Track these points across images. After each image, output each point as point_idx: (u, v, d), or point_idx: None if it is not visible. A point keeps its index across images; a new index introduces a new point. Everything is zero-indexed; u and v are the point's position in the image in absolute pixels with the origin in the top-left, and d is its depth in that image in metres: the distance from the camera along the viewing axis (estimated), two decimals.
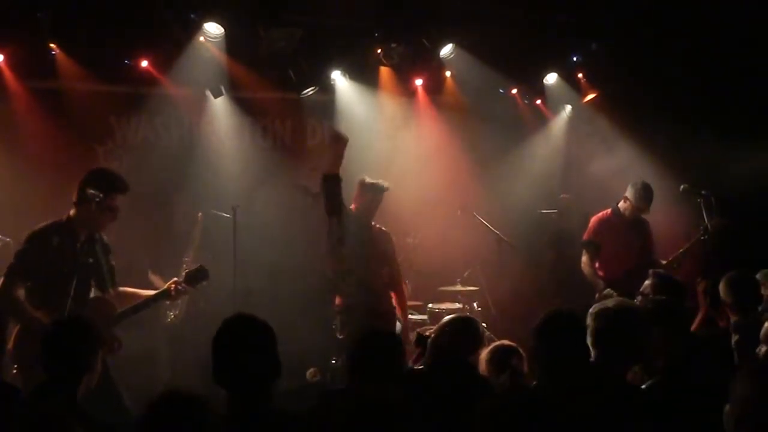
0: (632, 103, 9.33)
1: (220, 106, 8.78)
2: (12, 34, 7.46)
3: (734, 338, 4.86)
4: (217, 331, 3.55)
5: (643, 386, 4.00)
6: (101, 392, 4.95)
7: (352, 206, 7.02)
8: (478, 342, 4.66)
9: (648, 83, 9.12)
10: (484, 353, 4.54)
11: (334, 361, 8.24)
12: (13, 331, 5.22)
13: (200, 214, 7.92)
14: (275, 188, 8.75)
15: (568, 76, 9.69)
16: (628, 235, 7.60)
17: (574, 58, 9.53)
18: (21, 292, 5.33)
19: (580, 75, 9.67)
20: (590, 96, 9.75)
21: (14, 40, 7.52)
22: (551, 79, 9.69)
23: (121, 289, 5.84)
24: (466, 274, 8.46)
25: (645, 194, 7.52)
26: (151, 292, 5.93)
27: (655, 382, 4.01)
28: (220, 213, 7.70)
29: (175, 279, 5.87)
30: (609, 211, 7.73)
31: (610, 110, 9.54)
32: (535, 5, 8.30)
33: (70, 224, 5.55)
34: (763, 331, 3.99)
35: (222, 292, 7.23)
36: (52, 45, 7.66)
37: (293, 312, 8.26)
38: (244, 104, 8.96)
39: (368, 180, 7.05)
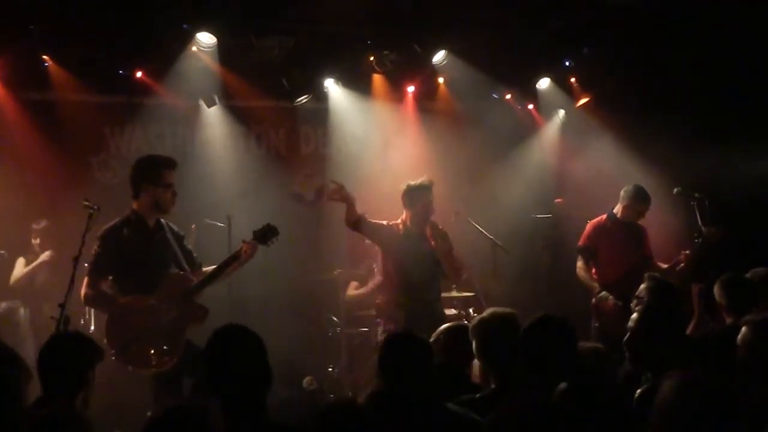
0: (625, 106, 9.35)
1: (213, 116, 8.79)
2: (4, 45, 7.45)
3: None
4: (208, 341, 3.56)
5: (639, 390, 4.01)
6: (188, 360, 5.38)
7: (404, 217, 6.92)
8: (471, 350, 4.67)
9: (640, 87, 9.14)
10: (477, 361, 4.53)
11: (330, 369, 8.26)
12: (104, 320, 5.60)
13: (193, 226, 7.92)
14: (270, 196, 8.75)
15: (560, 81, 9.71)
16: (622, 239, 7.58)
17: (567, 63, 9.55)
18: (105, 285, 5.58)
19: (572, 79, 9.69)
20: (583, 100, 9.76)
21: (6, 52, 7.52)
22: (544, 83, 9.71)
23: (205, 269, 5.97)
24: (462, 279, 8.45)
25: (639, 195, 7.51)
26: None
27: (649, 386, 4.01)
28: (214, 222, 7.69)
29: (244, 239, 5.91)
30: (604, 216, 7.73)
31: (602, 114, 9.55)
32: (527, 11, 8.30)
33: (137, 215, 5.72)
34: (740, 336, 3.97)
35: (217, 302, 7.21)
36: (44, 57, 7.66)
37: (289, 321, 8.28)
38: (237, 113, 8.98)
39: (412, 183, 6.92)
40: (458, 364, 4.54)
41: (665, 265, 7.38)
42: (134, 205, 5.74)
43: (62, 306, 5.28)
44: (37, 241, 7.77)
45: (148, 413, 3.53)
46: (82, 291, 5.57)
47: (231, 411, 3.39)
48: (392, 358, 3.80)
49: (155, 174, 5.70)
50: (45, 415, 3.42)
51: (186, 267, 5.85)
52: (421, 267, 6.70)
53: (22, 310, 7.57)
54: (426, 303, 6.71)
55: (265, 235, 5.92)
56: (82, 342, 4.16)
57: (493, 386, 4.13)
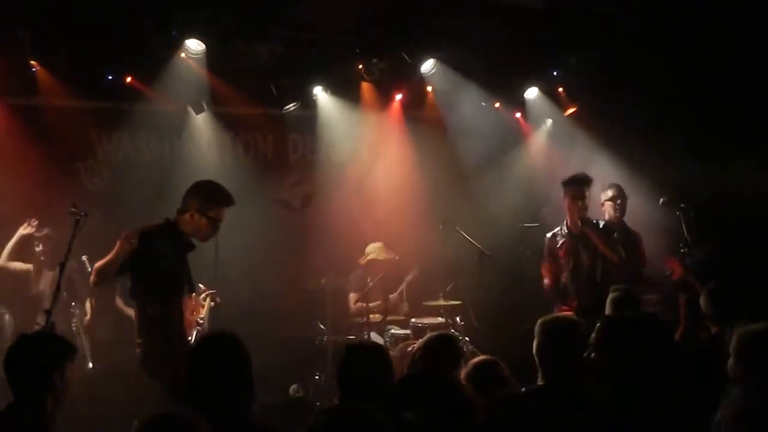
0: (612, 116, 9.40)
1: (201, 122, 8.78)
2: None
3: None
4: (195, 346, 3.54)
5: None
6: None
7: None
8: (457, 359, 4.68)
9: (628, 97, 9.18)
10: (463, 371, 4.53)
11: (317, 377, 8.25)
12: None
13: None
14: (257, 203, 8.74)
15: (548, 90, 9.75)
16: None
17: (554, 73, 9.59)
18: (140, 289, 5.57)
19: (560, 89, 9.73)
20: (570, 110, 9.80)
21: None
22: (532, 93, 9.75)
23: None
24: (448, 288, 8.47)
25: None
26: None
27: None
28: None
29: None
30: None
31: (590, 124, 9.59)
32: (514, 21, 8.34)
33: (175, 229, 5.70)
34: (732, 344, 4.00)
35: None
36: (32, 62, 7.63)
37: (276, 327, 8.27)
38: (225, 119, 8.98)
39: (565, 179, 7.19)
40: (442, 373, 4.54)
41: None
42: (176, 218, 5.72)
43: (48, 312, 5.25)
44: (41, 248, 7.68)
45: (135, 422, 3.50)
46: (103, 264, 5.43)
47: (215, 419, 3.38)
48: (347, 370, 3.81)
49: (212, 207, 5.70)
50: (6, 423, 3.37)
51: (193, 285, 5.95)
52: None
53: (7, 317, 7.50)
54: None
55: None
56: (48, 341, 4.02)
57: (541, 383, 4.14)
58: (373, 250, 8.86)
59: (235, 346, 3.54)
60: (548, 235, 7.45)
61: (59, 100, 8.00)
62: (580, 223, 6.95)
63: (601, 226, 7.08)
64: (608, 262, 7.07)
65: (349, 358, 3.89)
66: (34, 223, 7.54)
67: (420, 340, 4.84)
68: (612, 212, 7.68)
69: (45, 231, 7.61)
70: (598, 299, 6.16)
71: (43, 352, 3.89)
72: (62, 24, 7.42)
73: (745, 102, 8.46)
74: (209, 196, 5.73)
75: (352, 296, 8.85)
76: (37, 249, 7.68)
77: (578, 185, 7.03)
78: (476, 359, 4.74)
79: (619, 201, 7.70)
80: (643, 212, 7.98)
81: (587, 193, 7.00)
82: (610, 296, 5.49)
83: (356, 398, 3.72)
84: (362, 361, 3.86)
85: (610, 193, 7.74)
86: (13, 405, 3.80)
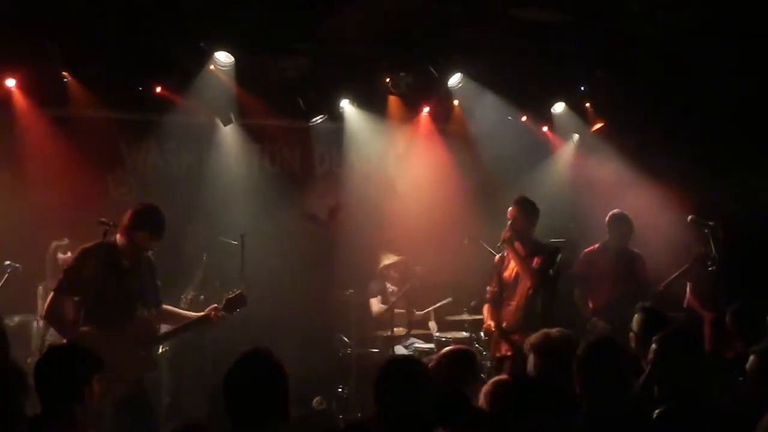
0: (639, 132, 9.35)
1: (229, 134, 8.83)
2: (24, 61, 7.52)
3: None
4: (235, 362, 3.55)
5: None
6: (133, 409, 5.39)
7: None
8: (474, 374, 4.68)
9: (656, 113, 9.14)
10: (484, 388, 4.53)
11: (340, 390, 8.24)
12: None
13: (205, 256, 7.96)
14: (283, 215, 8.78)
15: (575, 106, 9.72)
16: (612, 266, 7.69)
17: (582, 88, 9.56)
18: (67, 307, 5.51)
19: (587, 104, 9.70)
20: (597, 125, 9.76)
21: (26, 68, 7.58)
22: (559, 108, 9.73)
23: (164, 307, 6.03)
24: (472, 303, 8.45)
25: (615, 219, 7.81)
26: (192, 315, 6.11)
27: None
28: (228, 240, 7.72)
29: (215, 305, 6.03)
30: (597, 244, 7.88)
31: (617, 139, 9.55)
32: (541, 35, 8.33)
33: (113, 248, 5.70)
34: (748, 365, 3.96)
35: (228, 320, 7.23)
36: (64, 73, 7.72)
37: (300, 340, 8.28)
38: (252, 132, 9.02)
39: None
40: (460, 387, 4.52)
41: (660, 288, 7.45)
42: (117, 236, 5.73)
43: (75, 322, 5.30)
44: (67, 255, 7.75)
45: None
46: (47, 304, 5.55)
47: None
48: (387, 382, 3.80)
49: (135, 229, 5.71)
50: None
51: (150, 304, 5.85)
52: None
53: (35, 324, 7.58)
54: None
55: (234, 304, 6.05)
56: (77, 354, 4.09)
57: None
58: (385, 257, 8.91)
59: (269, 365, 3.56)
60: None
61: (89, 111, 8.08)
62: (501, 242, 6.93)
63: (542, 245, 7.01)
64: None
65: (388, 371, 3.89)
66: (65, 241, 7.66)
67: (439, 353, 4.84)
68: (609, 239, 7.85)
69: (65, 241, 7.68)
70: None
71: (74, 362, 3.99)
72: (93, 36, 7.49)
73: None
74: (141, 222, 5.75)
75: (373, 301, 8.83)
76: (61, 256, 7.75)
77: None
78: (496, 378, 4.74)
79: (612, 227, 7.84)
80: (670, 230, 7.93)
81: (513, 213, 6.94)
82: (636, 316, 5.44)
83: (392, 411, 3.72)
84: (401, 374, 3.85)
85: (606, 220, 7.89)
86: (43, 416, 3.85)
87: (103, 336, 5.46)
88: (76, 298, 5.54)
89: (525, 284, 6.82)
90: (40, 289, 7.69)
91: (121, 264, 5.72)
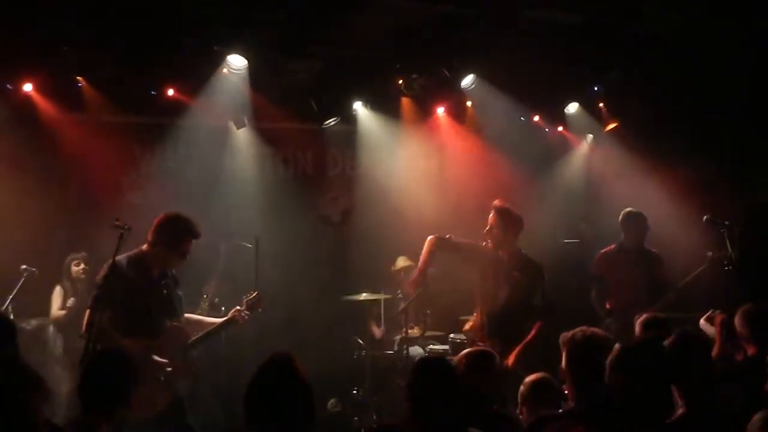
0: (653, 132, 9.31)
1: (242, 137, 8.86)
2: (40, 66, 7.56)
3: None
4: (260, 367, 3.55)
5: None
6: (170, 417, 5.44)
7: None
8: (493, 375, 4.67)
9: (669, 113, 9.11)
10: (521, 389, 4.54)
11: (355, 392, 8.24)
12: None
13: (222, 246, 7.98)
14: (297, 218, 8.80)
15: (588, 106, 9.70)
16: (631, 267, 7.63)
17: (595, 88, 9.54)
18: (106, 320, 5.45)
19: (601, 104, 9.67)
20: (611, 125, 9.74)
21: (42, 73, 7.62)
22: (572, 108, 9.71)
23: (186, 315, 6.06)
24: None
25: (628, 222, 7.73)
26: (218, 320, 6.16)
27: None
28: (242, 243, 7.73)
29: (237, 307, 6.08)
30: (613, 245, 7.82)
31: (631, 139, 9.52)
32: (555, 36, 8.31)
33: (144, 260, 5.75)
34: None
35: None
36: (78, 78, 7.76)
37: (315, 342, 8.28)
38: (266, 135, 9.04)
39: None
40: (482, 390, 4.52)
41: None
42: (145, 248, 5.78)
43: (91, 325, 5.32)
44: (81, 267, 7.80)
45: None
46: (85, 320, 5.47)
47: None
48: (421, 383, 3.81)
49: (177, 240, 5.77)
50: None
51: (178, 313, 5.90)
52: None
53: (51, 328, 7.63)
54: None
55: (255, 304, 6.12)
56: (124, 360, 4.19)
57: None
58: (400, 261, 8.91)
59: (292, 372, 3.55)
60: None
61: (104, 115, 8.12)
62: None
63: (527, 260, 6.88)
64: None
65: (421, 371, 3.93)
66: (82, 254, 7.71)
67: (459, 355, 4.81)
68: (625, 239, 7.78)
69: (82, 252, 7.73)
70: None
71: (121, 368, 4.10)
72: (107, 40, 7.53)
73: None
74: (177, 231, 5.79)
75: (374, 327, 8.82)
76: (76, 269, 7.78)
77: None
78: (532, 377, 4.73)
79: (627, 226, 7.77)
80: (685, 230, 7.89)
81: (490, 221, 6.82)
82: (640, 323, 5.45)
83: (426, 410, 3.75)
84: (433, 374, 3.88)
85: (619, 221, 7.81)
86: (81, 416, 3.92)
87: (139, 345, 5.51)
88: (109, 313, 5.48)
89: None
90: (58, 289, 7.76)
91: (152, 274, 5.77)
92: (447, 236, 6.89)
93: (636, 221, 7.73)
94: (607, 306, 7.67)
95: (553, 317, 6.51)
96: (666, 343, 4.24)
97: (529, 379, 4.73)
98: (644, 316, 5.56)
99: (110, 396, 3.98)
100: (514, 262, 6.74)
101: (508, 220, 6.80)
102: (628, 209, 7.83)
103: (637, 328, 5.47)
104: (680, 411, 3.99)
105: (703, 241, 7.72)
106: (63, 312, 7.69)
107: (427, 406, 3.76)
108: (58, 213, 7.83)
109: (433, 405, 3.75)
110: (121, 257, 5.64)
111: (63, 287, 7.80)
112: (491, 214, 6.83)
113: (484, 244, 6.80)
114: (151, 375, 5.48)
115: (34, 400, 3.37)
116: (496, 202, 6.89)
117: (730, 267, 6.91)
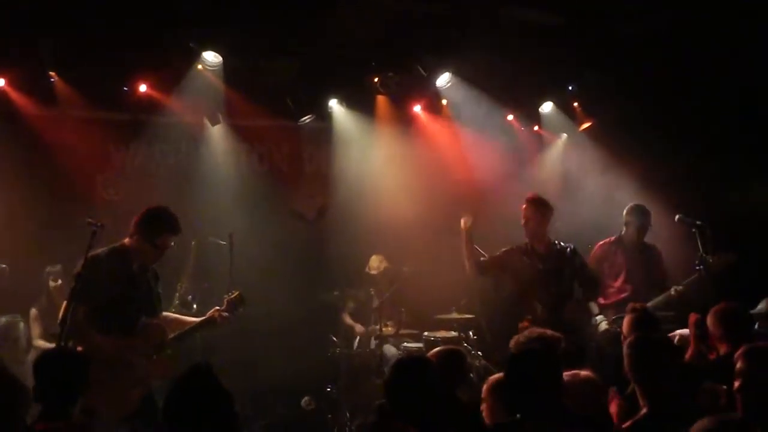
0: (627, 131, 9.36)
1: (217, 134, 8.83)
2: (12, 61, 7.50)
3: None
4: (171, 387, 3.42)
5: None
6: (143, 415, 5.33)
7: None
8: (463, 375, 4.68)
9: (643, 112, 9.16)
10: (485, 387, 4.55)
11: (329, 389, 8.24)
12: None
13: (193, 242, 7.94)
14: (272, 215, 8.78)
15: (563, 105, 9.76)
16: (626, 262, 7.60)
17: (570, 88, 9.59)
18: (82, 316, 5.36)
19: (575, 104, 9.73)
20: (586, 125, 9.79)
21: (15, 66, 7.56)
22: (547, 107, 9.76)
23: (164, 314, 5.97)
24: (462, 302, 8.46)
25: (635, 210, 7.64)
26: (196, 320, 6.06)
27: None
28: (216, 240, 7.69)
29: (217, 308, 5.97)
30: (612, 238, 7.75)
31: (605, 138, 9.57)
32: (530, 35, 8.34)
33: (124, 252, 5.65)
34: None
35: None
36: (51, 73, 7.69)
37: (289, 340, 8.27)
38: (241, 131, 9.03)
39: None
40: (449, 388, 4.53)
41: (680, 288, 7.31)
42: (126, 241, 5.69)
43: (63, 322, 5.27)
44: (58, 283, 7.68)
45: None
46: (60, 314, 5.37)
47: None
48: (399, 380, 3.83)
49: (156, 234, 5.66)
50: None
51: (155, 311, 5.80)
52: None
53: (21, 325, 7.55)
54: None
55: (236, 304, 6.00)
56: (77, 359, 4.22)
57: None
58: (373, 261, 8.91)
59: (209, 383, 3.42)
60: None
61: (77, 112, 8.08)
62: None
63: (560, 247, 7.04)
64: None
65: (400, 371, 3.94)
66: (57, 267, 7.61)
67: (428, 354, 4.83)
68: (626, 232, 7.70)
69: (58, 267, 7.63)
70: None
71: (72, 367, 4.12)
72: (81, 36, 7.47)
73: (764, 120, 8.44)
74: (157, 225, 5.69)
75: (345, 316, 8.85)
76: (53, 284, 7.67)
77: None
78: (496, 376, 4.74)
79: (631, 223, 7.68)
80: (657, 228, 7.92)
81: (526, 214, 6.96)
82: (628, 316, 5.45)
83: (406, 412, 3.77)
84: (414, 375, 3.90)
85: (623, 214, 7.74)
86: (44, 414, 3.91)
87: (114, 343, 5.43)
88: (85, 308, 5.39)
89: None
90: (33, 312, 7.63)
91: (132, 269, 5.69)
92: (482, 259, 6.98)
93: (642, 215, 7.62)
94: (601, 301, 7.56)
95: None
96: (625, 344, 4.31)
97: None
98: (634, 307, 5.55)
99: (61, 397, 3.96)
100: (551, 252, 6.94)
101: (545, 210, 6.95)
102: (634, 203, 7.76)
103: (626, 319, 5.46)
104: (643, 411, 4.04)
105: (676, 240, 7.77)
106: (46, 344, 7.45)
107: (405, 406, 3.76)
108: (31, 210, 7.75)
109: (413, 404, 3.77)
110: (102, 249, 5.58)
111: (39, 308, 7.67)
112: (525, 207, 6.91)
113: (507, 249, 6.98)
114: (125, 373, 5.42)
115: (19, 408, 3.37)
116: (530, 195, 6.99)
117: (701, 267, 6.93)
